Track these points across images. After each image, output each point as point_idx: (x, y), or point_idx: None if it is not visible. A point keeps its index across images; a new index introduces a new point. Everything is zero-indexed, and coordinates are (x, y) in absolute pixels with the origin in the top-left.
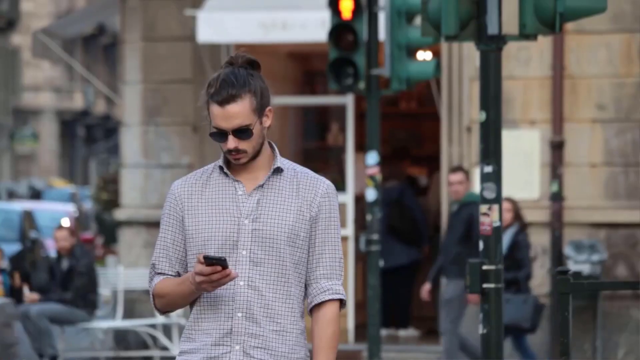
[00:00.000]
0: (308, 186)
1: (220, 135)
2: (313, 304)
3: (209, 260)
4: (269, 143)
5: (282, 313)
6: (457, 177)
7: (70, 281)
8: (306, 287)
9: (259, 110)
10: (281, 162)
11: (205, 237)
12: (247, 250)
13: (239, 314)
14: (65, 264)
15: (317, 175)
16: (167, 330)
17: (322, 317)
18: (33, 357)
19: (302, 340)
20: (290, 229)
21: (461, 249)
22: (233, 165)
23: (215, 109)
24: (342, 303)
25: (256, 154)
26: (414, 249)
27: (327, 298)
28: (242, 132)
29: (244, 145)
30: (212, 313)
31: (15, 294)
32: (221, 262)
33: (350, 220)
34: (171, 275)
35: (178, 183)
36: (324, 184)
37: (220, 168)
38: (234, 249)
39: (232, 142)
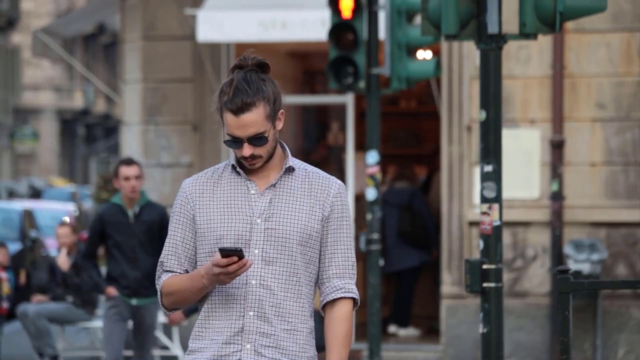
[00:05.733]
0: (320, 186)
1: (235, 142)
2: (325, 301)
3: (224, 252)
4: (280, 143)
5: (293, 312)
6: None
7: (72, 278)
8: (319, 286)
9: (272, 115)
10: (292, 161)
11: (217, 236)
12: (260, 249)
13: (251, 313)
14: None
15: (328, 175)
16: (167, 329)
17: (335, 314)
18: (33, 357)
19: (311, 340)
20: (302, 229)
21: (154, 260)
22: None
23: (229, 117)
24: (355, 302)
25: (270, 157)
26: (424, 251)
27: (339, 296)
28: (257, 140)
29: (259, 151)
30: (224, 311)
31: (20, 291)
32: (237, 253)
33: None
34: (179, 273)
35: (189, 181)
36: (336, 183)
37: (233, 167)
38: (246, 247)
39: (247, 150)
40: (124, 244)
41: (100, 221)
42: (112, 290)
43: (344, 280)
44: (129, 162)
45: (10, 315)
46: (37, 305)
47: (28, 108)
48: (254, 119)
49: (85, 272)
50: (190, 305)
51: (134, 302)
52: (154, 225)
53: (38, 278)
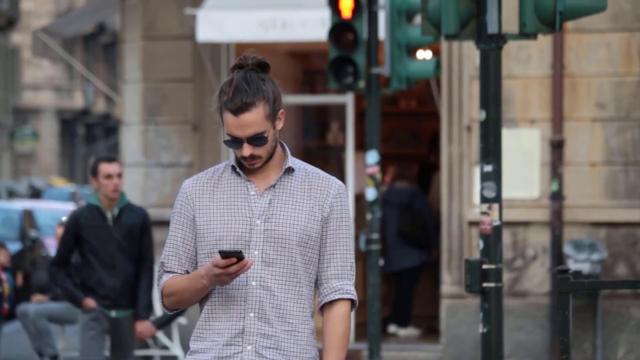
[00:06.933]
0: (320, 186)
1: (235, 142)
2: (323, 302)
3: (224, 254)
4: (280, 143)
5: (294, 313)
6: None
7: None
8: (317, 286)
9: (272, 115)
10: (292, 162)
11: (217, 237)
12: (259, 251)
13: (251, 314)
14: None
15: (328, 175)
16: (167, 329)
17: (333, 316)
18: (33, 357)
19: (312, 340)
20: (302, 230)
21: (134, 267)
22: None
23: (229, 117)
24: (353, 303)
25: (269, 157)
26: (424, 251)
27: (337, 297)
28: (257, 140)
29: (258, 151)
30: (224, 313)
31: (17, 292)
32: (237, 255)
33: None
34: (180, 274)
35: (189, 182)
36: (336, 184)
37: (233, 167)
38: (246, 248)
39: (247, 150)
40: (101, 250)
41: (75, 224)
42: (90, 302)
43: (342, 282)
44: (110, 159)
45: (10, 315)
46: (37, 305)
47: (28, 108)
48: (253, 119)
49: (58, 283)
50: (190, 305)
51: (113, 314)
52: (134, 229)
53: (38, 278)
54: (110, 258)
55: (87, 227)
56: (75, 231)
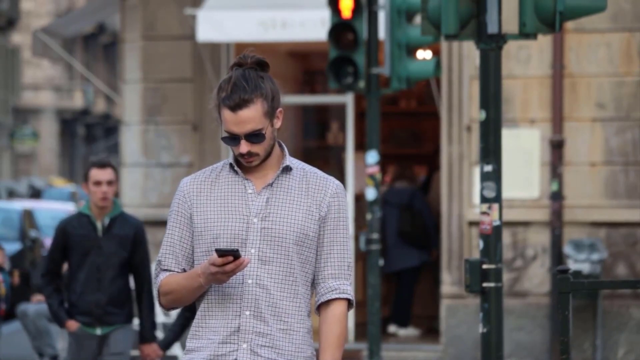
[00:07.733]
0: (317, 186)
1: (233, 139)
2: (320, 302)
3: (221, 252)
4: (278, 142)
5: (290, 312)
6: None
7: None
8: (314, 286)
9: (271, 113)
10: (290, 161)
11: (214, 235)
12: (256, 249)
13: (247, 312)
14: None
15: (326, 175)
16: (167, 328)
17: (329, 315)
18: (33, 357)
19: (308, 339)
20: (299, 229)
21: (124, 282)
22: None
23: (227, 114)
24: (350, 303)
25: (267, 155)
26: (424, 251)
27: (334, 297)
28: (255, 137)
29: (256, 148)
30: (220, 311)
31: (14, 292)
32: (233, 253)
33: (350, 220)
34: (177, 272)
35: (187, 180)
36: (334, 184)
37: (231, 166)
38: (242, 247)
39: (244, 147)
40: (89, 262)
41: (62, 234)
42: (72, 325)
43: (339, 281)
44: (102, 164)
45: (8, 316)
46: (37, 305)
47: (28, 108)
48: (251, 116)
49: (45, 298)
50: (187, 304)
51: (99, 331)
52: (125, 241)
53: (38, 278)
54: (97, 271)
55: (75, 237)
56: (63, 241)
